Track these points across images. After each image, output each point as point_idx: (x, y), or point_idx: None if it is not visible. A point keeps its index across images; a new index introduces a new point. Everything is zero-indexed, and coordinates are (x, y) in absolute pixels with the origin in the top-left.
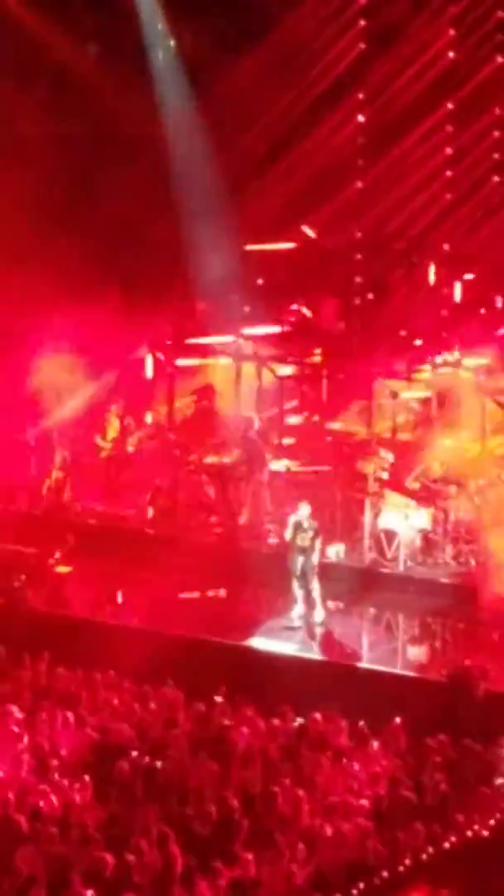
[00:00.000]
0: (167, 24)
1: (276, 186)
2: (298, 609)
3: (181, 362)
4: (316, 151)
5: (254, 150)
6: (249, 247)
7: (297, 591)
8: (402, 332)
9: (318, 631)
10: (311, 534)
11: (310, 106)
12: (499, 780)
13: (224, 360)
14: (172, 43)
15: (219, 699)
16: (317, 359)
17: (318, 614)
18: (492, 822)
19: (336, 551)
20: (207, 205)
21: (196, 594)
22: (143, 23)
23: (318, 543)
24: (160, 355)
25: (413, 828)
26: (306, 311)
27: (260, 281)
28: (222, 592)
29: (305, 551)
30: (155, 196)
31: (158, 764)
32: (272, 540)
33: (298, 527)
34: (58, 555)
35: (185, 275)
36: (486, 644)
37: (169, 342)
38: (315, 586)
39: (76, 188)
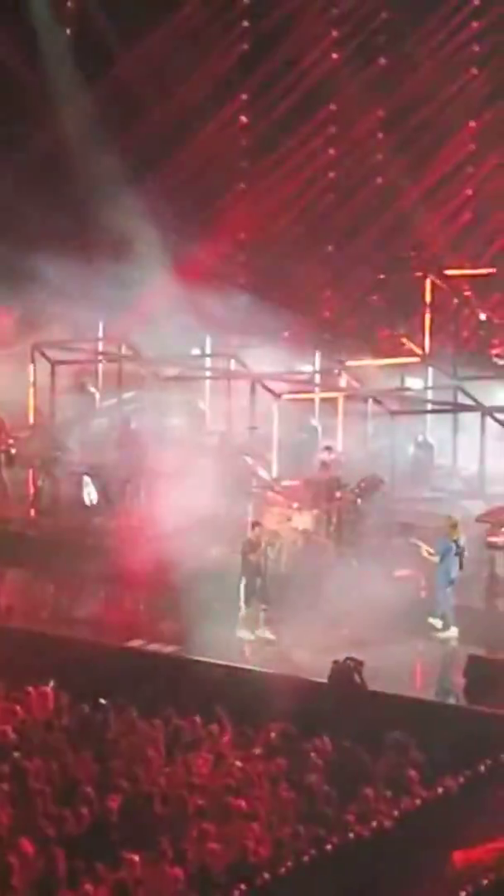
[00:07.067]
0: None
1: None
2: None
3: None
4: None
5: None
6: None
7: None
8: None
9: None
10: None
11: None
12: (380, 782)
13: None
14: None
15: (102, 701)
16: None
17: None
18: (373, 823)
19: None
20: None
21: (77, 595)
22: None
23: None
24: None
25: (294, 829)
26: None
27: None
28: (102, 594)
29: None
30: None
31: (40, 765)
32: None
33: None
34: None
35: None
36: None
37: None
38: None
39: None
